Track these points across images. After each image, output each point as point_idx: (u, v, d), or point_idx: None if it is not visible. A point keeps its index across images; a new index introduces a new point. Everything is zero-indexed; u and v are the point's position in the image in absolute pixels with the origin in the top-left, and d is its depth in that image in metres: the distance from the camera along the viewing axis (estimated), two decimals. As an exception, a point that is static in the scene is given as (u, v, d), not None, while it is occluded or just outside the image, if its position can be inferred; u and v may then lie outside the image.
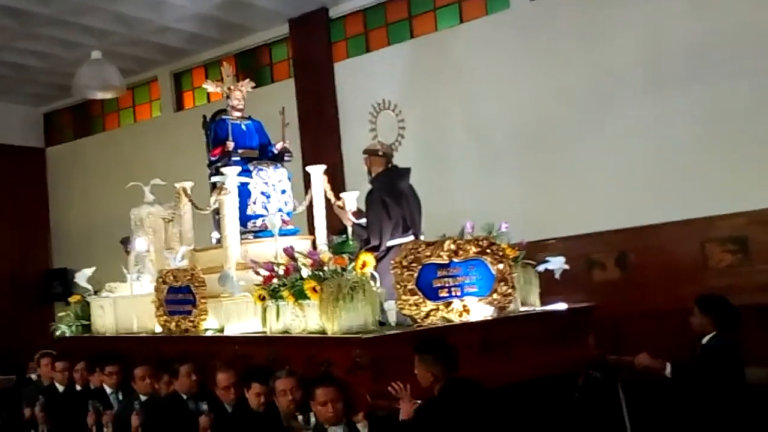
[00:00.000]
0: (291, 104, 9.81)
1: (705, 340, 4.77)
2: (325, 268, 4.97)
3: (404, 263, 4.93)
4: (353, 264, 4.90)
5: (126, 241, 12.26)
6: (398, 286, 4.91)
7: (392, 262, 4.96)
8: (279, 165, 6.98)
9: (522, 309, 5.48)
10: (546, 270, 5.65)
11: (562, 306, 5.53)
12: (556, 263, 5.59)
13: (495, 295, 5.13)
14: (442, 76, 9.74)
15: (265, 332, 5.36)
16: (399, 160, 5.88)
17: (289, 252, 5.14)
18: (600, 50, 8.74)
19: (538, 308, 5.57)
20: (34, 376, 7.58)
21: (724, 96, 7.99)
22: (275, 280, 5.22)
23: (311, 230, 7.22)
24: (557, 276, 5.67)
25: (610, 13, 8.70)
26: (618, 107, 8.59)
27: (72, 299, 7.85)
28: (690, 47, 8.19)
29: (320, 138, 10.36)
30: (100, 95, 10.24)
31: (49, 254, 14.18)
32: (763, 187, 7.67)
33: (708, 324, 4.78)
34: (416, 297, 4.92)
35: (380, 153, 5.62)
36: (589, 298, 6.00)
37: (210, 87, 7.28)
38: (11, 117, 13.84)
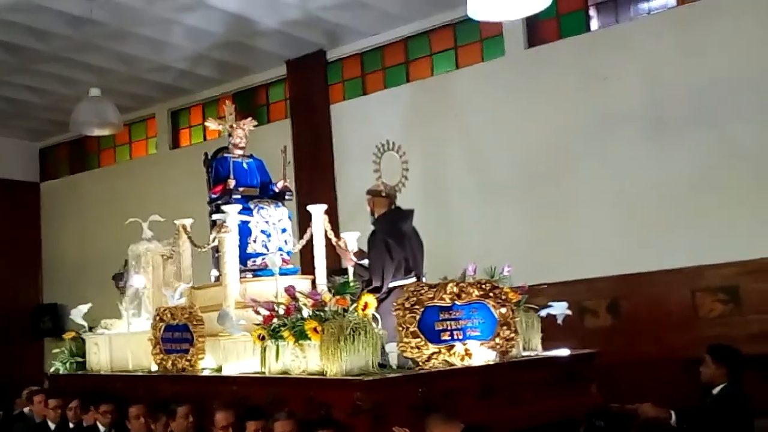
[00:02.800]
0: (287, 144, 9.84)
1: (717, 390, 4.71)
2: (326, 308, 4.92)
3: (407, 305, 4.89)
4: (355, 305, 4.86)
5: (118, 278, 12.20)
6: (400, 328, 4.87)
7: (394, 303, 4.91)
8: (280, 204, 6.97)
9: (524, 354, 5.42)
10: (548, 315, 5.60)
11: (564, 352, 5.48)
12: (559, 308, 5.55)
13: (497, 339, 5.09)
14: (439, 119, 9.80)
15: (263, 373, 5.28)
16: (398, 200, 5.87)
17: (291, 292, 5.10)
18: (596, 95, 8.80)
19: (541, 354, 5.50)
20: (26, 410, 7.45)
21: (720, 143, 8.03)
22: (275, 320, 5.16)
23: (309, 269, 7.18)
24: (560, 321, 5.64)
25: (607, 59, 8.78)
26: (614, 151, 8.62)
27: (66, 336, 7.76)
28: (688, 93, 8.23)
29: (315, 178, 10.41)
30: (97, 132, 10.27)
31: (39, 289, 14.07)
32: (754, 237, 7.69)
33: (721, 374, 4.73)
34: (418, 339, 4.88)
35: (383, 194, 5.61)
36: (581, 345, 5.97)
37: (212, 125, 7.30)
38: (7, 151, 13.85)
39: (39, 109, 12.41)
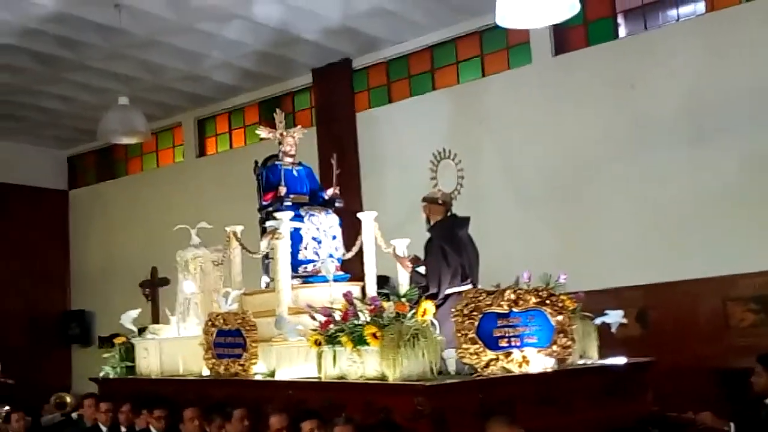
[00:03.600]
0: (313, 152, 9.91)
1: (768, 400, 4.67)
2: (384, 314, 4.96)
3: (465, 311, 4.91)
4: (413, 311, 4.89)
5: (145, 284, 12.43)
6: (459, 335, 4.89)
7: (453, 310, 4.94)
8: (330, 211, 7.03)
9: (580, 362, 5.41)
10: (603, 323, 5.58)
11: (621, 360, 5.46)
12: (614, 317, 5.54)
13: (555, 347, 5.07)
14: (466, 127, 9.75)
15: (319, 378, 5.32)
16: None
17: (349, 297, 5.14)
18: (625, 103, 8.73)
19: (597, 362, 5.49)
20: (74, 415, 7.55)
21: (752, 151, 7.93)
22: (332, 325, 5.21)
23: (355, 276, 7.22)
24: (613, 330, 5.62)
25: (636, 66, 8.72)
26: (643, 160, 8.54)
27: (117, 341, 7.85)
28: (718, 100, 8.16)
29: (341, 185, 10.35)
30: (125, 140, 10.41)
31: (67, 296, 14.23)
32: None
33: None
34: (477, 346, 4.90)
35: (440, 201, 5.64)
36: (611, 354, 5.88)
37: (263, 133, 7.38)
38: (36, 159, 14.05)
39: (67, 118, 12.58)
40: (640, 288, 8.31)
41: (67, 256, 14.35)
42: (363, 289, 6.62)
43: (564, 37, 9.41)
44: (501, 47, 9.93)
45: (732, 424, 4.80)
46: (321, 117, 11.09)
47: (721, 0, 8.46)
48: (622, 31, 9.19)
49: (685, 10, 8.77)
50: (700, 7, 8.66)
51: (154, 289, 12.65)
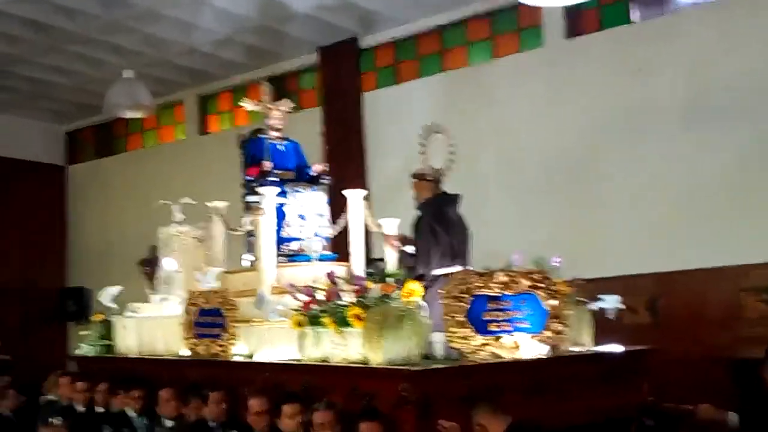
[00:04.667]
0: (317, 133, 9.72)
1: (781, 392, 4.47)
2: (369, 295, 4.72)
3: (455, 293, 4.67)
4: (399, 292, 4.65)
5: (145, 263, 12.19)
6: (448, 318, 4.66)
7: (442, 291, 4.69)
8: (316, 188, 6.77)
9: (573, 349, 5.19)
10: (600, 309, 5.35)
11: (617, 348, 5.24)
12: (611, 302, 5.32)
13: (547, 333, 4.85)
14: (474, 109, 9.56)
15: (301, 360, 5.09)
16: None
17: (332, 277, 4.90)
18: (636, 89, 8.55)
19: (591, 349, 5.27)
20: (53, 397, 7.29)
21: (764, 138, 7.77)
22: (315, 306, 4.97)
23: (342, 257, 6.99)
24: (611, 316, 5.39)
25: (649, 51, 8.54)
26: (654, 145, 8.39)
27: (95, 318, 7.61)
28: (731, 87, 7.99)
29: (345, 166, 10.17)
30: (129, 114, 10.26)
31: (65, 272, 14.01)
32: None
33: None
34: (466, 330, 4.67)
35: (429, 178, 5.39)
36: (619, 342, 5.68)
37: (249, 105, 7.09)
38: (34, 133, 13.77)
39: (66, 91, 12.28)
40: (650, 276, 8.18)
41: (64, 232, 14.12)
42: (349, 269, 6.36)
43: (577, 20, 9.20)
44: (512, 29, 9.71)
45: (735, 415, 4.59)
46: (327, 97, 10.84)
47: None
48: (636, 15, 8.96)
49: (699, -5, 8.59)
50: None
51: (153, 267, 12.42)
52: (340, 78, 10.74)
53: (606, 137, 8.72)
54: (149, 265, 12.17)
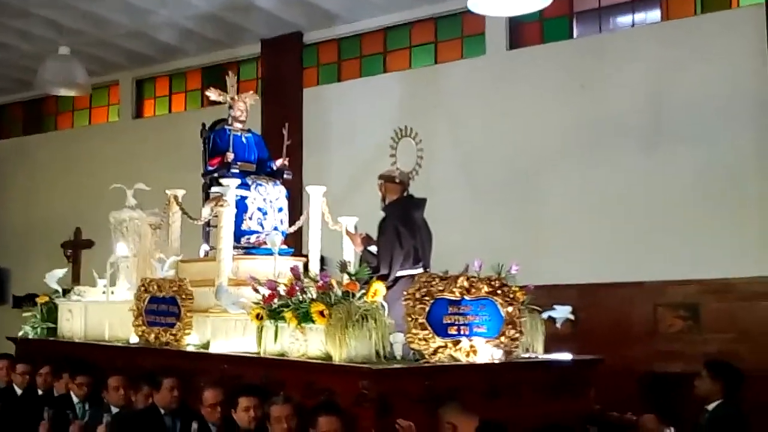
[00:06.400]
0: (255, 124, 9.65)
1: (711, 406, 4.67)
2: (333, 292, 4.76)
3: (417, 295, 4.75)
4: (363, 291, 4.71)
5: (67, 245, 11.92)
6: (409, 319, 4.74)
7: (406, 293, 4.77)
8: (277, 182, 6.78)
9: (525, 355, 5.32)
10: (549, 318, 5.51)
11: (567, 356, 5.40)
12: (561, 312, 5.47)
13: (503, 338, 4.97)
14: (416, 112, 9.46)
15: (258, 353, 5.10)
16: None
17: (296, 272, 4.93)
18: (576, 102, 8.77)
19: (542, 356, 5.41)
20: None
21: (700, 160, 8.05)
22: (276, 300, 4.99)
23: (297, 252, 7.02)
24: (558, 325, 5.55)
25: (588, 67, 8.78)
26: (591, 160, 8.60)
27: (39, 300, 7.44)
28: (666, 106, 8.28)
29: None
30: (63, 92, 10.03)
31: (-18, 252, 13.58)
32: (718, 257, 7.79)
33: (717, 390, 4.69)
34: (426, 332, 4.74)
35: (397, 180, 5.46)
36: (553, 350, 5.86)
37: (213, 95, 7.05)
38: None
39: (-2, 65, 11.91)
40: (573, 287, 8.30)
41: (-15, 210, 13.63)
42: (306, 265, 6.39)
43: (519, 32, 9.41)
44: (456, 36, 9.85)
45: (672, 429, 4.79)
46: (267, 89, 10.79)
47: (677, 10, 8.60)
48: (577, 32, 9.22)
49: (640, 16, 8.86)
50: (656, 15, 8.74)
51: (77, 250, 12.17)
52: (282, 71, 10.71)
53: (546, 148, 8.90)
54: (72, 247, 12.02)
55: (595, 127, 8.64)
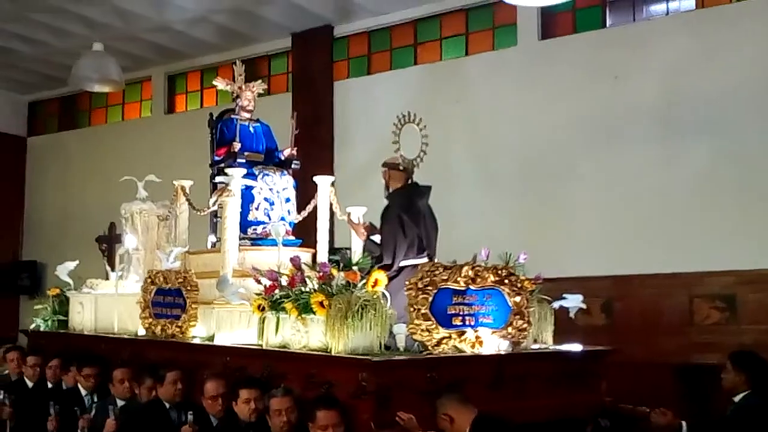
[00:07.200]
0: (286, 118, 9.70)
1: (738, 398, 4.52)
2: (334, 282, 4.66)
3: (419, 285, 4.63)
4: (364, 281, 4.60)
5: (102, 240, 11.98)
6: (411, 309, 4.62)
7: (407, 283, 4.65)
8: (285, 172, 6.69)
9: (534, 346, 5.18)
10: (561, 307, 5.36)
11: (577, 347, 5.25)
12: (573, 301, 5.31)
13: (510, 329, 4.85)
14: (446, 104, 9.57)
15: (260, 345, 5.02)
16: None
17: (297, 262, 4.82)
18: (607, 93, 8.66)
19: (552, 347, 5.27)
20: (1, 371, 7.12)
21: (728, 151, 7.95)
22: (278, 291, 4.89)
23: (308, 243, 6.91)
24: (572, 315, 5.40)
25: (621, 57, 8.65)
26: (621, 152, 8.51)
27: (50, 292, 7.45)
28: (699, 98, 8.15)
29: (313, 154, 10.07)
30: (97, 88, 10.07)
31: (19, 245, 13.76)
32: (754, 248, 7.67)
33: (742, 382, 4.54)
34: (429, 322, 4.62)
35: (401, 168, 5.32)
36: (571, 340, 5.72)
37: (221, 84, 6.98)
38: (-5, 102, 13.46)
39: (31, 61, 12.02)
40: (607, 278, 8.30)
41: (21, 204, 13.85)
42: (314, 256, 6.29)
43: (551, 22, 9.29)
44: (487, 27, 9.76)
45: (684, 423, 4.63)
46: (297, 83, 10.79)
47: None
48: (610, 21, 9.07)
49: (674, 4, 8.70)
50: (690, 2, 8.55)
51: (111, 245, 12.22)
52: (312, 65, 10.70)
53: (577, 139, 8.81)
54: (107, 242, 12.06)
55: (627, 118, 8.53)
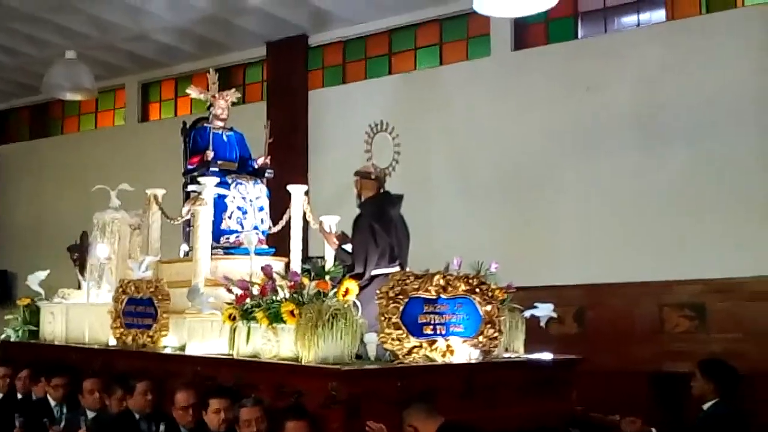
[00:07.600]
0: (261, 127, 9.75)
1: (707, 406, 4.54)
2: (305, 291, 4.65)
3: (390, 294, 4.63)
4: (335, 290, 4.59)
5: (73, 249, 11.88)
6: (382, 318, 4.61)
7: (378, 292, 4.65)
8: (258, 181, 6.67)
9: (505, 355, 5.20)
10: (532, 316, 5.38)
11: (547, 356, 5.27)
12: (544, 310, 5.34)
13: (481, 338, 4.85)
14: (421, 114, 9.61)
15: (231, 355, 4.99)
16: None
17: (268, 271, 4.81)
18: (580, 104, 8.74)
19: (523, 356, 5.28)
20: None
21: (699, 161, 8.03)
22: (248, 300, 4.88)
23: (282, 252, 6.90)
24: (542, 324, 5.42)
25: (593, 68, 8.73)
26: (594, 162, 8.58)
27: (21, 302, 7.36)
28: (671, 108, 8.23)
29: (287, 163, 10.04)
30: (69, 96, 10.00)
31: (-11, 255, 13.57)
32: (722, 257, 7.74)
33: (711, 390, 4.56)
34: (400, 332, 4.62)
35: (373, 176, 5.33)
36: (543, 349, 5.74)
37: (194, 93, 6.96)
38: (-35, 110, 13.35)
39: (4, 70, 11.97)
40: (580, 287, 8.36)
41: (-9, 213, 13.68)
42: (287, 265, 6.28)
43: (524, 33, 9.38)
44: (461, 37, 9.84)
45: (653, 430, 4.66)
46: (272, 92, 10.82)
47: (682, 10, 8.54)
48: (582, 32, 9.17)
49: (645, 16, 8.81)
50: (661, 15, 8.66)
51: (83, 254, 12.09)
52: (287, 74, 10.73)
53: (548, 149, 8.88)
54: (78, 251, 11.95)
55: (600, 128, 8.62)
